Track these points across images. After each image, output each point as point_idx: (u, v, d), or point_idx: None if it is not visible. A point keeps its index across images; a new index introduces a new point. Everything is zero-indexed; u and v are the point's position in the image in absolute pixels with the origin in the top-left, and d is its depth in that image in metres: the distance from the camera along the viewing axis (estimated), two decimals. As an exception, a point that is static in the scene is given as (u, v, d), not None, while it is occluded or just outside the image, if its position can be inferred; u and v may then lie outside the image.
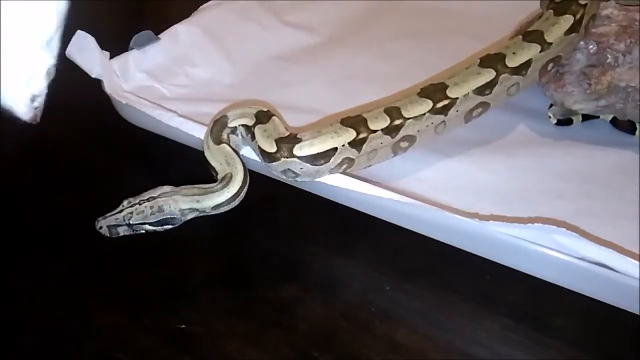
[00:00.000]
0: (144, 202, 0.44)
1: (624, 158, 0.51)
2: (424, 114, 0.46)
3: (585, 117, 0.54)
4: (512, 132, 0.54)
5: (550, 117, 0.55)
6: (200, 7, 0.68)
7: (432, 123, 0.46)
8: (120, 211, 0.44)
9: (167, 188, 0.45)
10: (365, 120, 0.45)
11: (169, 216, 0.44)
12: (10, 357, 0.40)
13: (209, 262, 0.45)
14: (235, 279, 0.44)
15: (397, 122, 0.45)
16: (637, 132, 0.52)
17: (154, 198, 0.44)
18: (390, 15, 0.72)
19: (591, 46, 0.51)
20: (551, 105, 0.55)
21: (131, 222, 0.43)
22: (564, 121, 0.54)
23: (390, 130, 0.45)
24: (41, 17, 0.33)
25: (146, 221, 0.44)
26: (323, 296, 0.42)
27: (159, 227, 0.44)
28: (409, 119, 0.45)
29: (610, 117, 0.53)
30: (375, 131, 0.45)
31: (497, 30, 0.61)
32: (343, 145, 0.44)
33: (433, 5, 0.73)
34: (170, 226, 0.45)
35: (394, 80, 0.59)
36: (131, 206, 0.44)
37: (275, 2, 0.72)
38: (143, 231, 0.44)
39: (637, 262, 0.36)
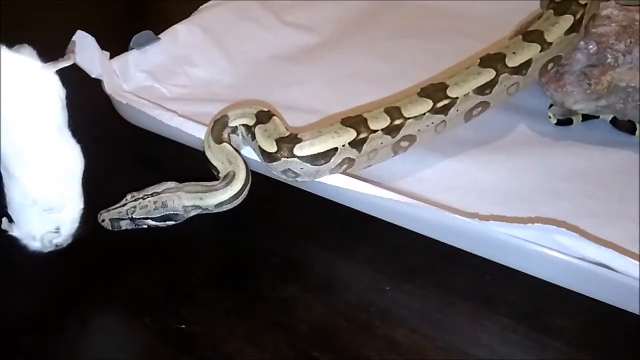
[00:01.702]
0: (148, 197, 0.44)
1: (624, 158, 0.51)
2: (424, 114, 0.46)
3: (585, 117, 0.54)
4: (512, 132, 0.55)
5: (550, 117, 0.55)
6: (200, 7, 0.68)
7: (432, 123, 0.46)
8: (124, 205, 0.44)
9: (171, 184, 0.45)
10: (365, 120, 0.45)
11: (172, 212, 0.44)
12: (11, 357, 0.40)
13: (209, 262, 0.45)
14: (235, 279, 0.44)
15: (398, 121, 0.45)
16: (637, 132, 0.52)
17: (157, 193, 0.44)
18: (390, 15, 0.72)
19: (591, 46, 0.51)
20: (551, 105, 0.55)
21: (134, 217, 0.43)
22: (564, 121, 0.54)
23: (391, 130, 0.45)
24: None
25: (149, 216, 0.44)
26: (323, 296, 0.42)
27: (162, 223, 0.44)
28: (409, 118, 0.45)
29: (610, 117, 0.53)
30: (375, 131, 0.45)
31: (497, 30, 0.61)
32: (343, 145, 0.44)
33: (433, 5, 0.73)
34: (172, 222, 0.45)
35: (394, 80, 0.59)
36: (134, 200, 0.44)
37: (275, 2, 0.72)
38: (145, 226, 0.44)
39: (637, 262, 0.36)
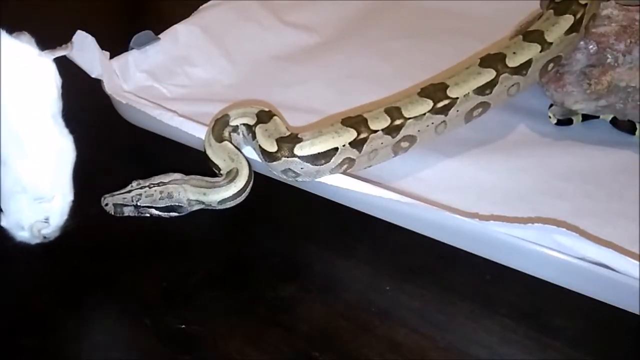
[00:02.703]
0: (154, 186, 0.44)
1: (624, 158, 0.51)
2: (425, 114, 0.46)
3: (585, 117, 0.54)
4: (512, 132, 0.55)
5: (550, 117, 0.55)
6: (200, 7, 0.68)
7: (432, 123, 0.46)
8: (129, 191, 0.44)
9: (177, 175, 0.45)
10: (365, 120, 0.45)
11: (176, 204, 0.44)
12: (11, 357, 0.40)
13: (209, 262, 0.45)
14: (235, 279, 0.44)
15: (398, 122, 0.45)
16: (637, 132, 0.52)
17: (164, 183, 0.44)
18: (390, 15, 0.72)
19: (591, 46, 0.51)
20: (551, 105, 0.55)
21: (139, 204, 0.43)
22: (564, 121, 0.54)
23: (391, 130, 0.45)
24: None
25: (154, 205, 0.44)
26: (323, 296, 0.42)
27: (165, 213, 0.44)
28: (409, 118, 0.45)
29: (610, 117, 0.53)
30: (375, 131, 0.45)
31: (497, 30, 0.61)
32: (344, 145, 0.44)
33: (433, 5, 0.73)
34: (176, 214, 0.45)
35: (394, 80, 0.59)
36: (140, 188, 0.44)
37: (275, 2, 0.72)
38: (148, 215, 0.44)
39: (637, 262, 0.36)
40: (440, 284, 0.43)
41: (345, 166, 0.45)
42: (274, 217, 0.49)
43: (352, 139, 0.44)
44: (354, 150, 0.45)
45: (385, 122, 0.45)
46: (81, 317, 0.42)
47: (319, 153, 0.44)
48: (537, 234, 0.39)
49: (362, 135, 0.44)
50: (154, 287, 0.43)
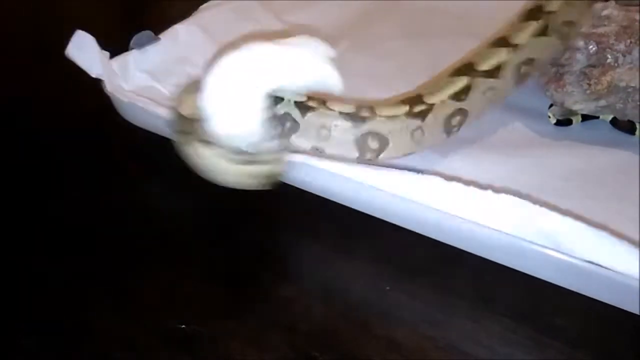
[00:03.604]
0: None
1: (624, 158, 0.51)
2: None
3: (585, 117, 0.54)
4: (512, 132, 0.54)
5: (550, 117, 0.55)
6: (200, 7, 0.68)
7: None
8: None
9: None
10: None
11: None
12: (11, 357, 0.40)
13: (209, 262, 0.45)
14: (235, 279, 0.44)
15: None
16: (637, 132, 0.53)
17: None
18: (391, 15, 0.72)
19: (591, 46, 0.51)
20: (551, 105, 0.55)
21: None
22: (564, 121, 0.54)
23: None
24: None
25: None
26: (323, 296, 0.42)
27: None
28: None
29: (610, 117, 0.53)
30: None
31: (497, 30, 0.61)
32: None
33: (433, 5, 0.73)
34: None
35: (394, 80, 0.59)
36: None
37: (275, 2, 0.72)
38: None
39: (637, 263, 0.36)
40: (440, 284, 0.43)
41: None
42: (274, 217, 0.49)
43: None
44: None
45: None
46: (81, 317, 0.42)
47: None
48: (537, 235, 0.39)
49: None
50: (154, 287, 0.43)
